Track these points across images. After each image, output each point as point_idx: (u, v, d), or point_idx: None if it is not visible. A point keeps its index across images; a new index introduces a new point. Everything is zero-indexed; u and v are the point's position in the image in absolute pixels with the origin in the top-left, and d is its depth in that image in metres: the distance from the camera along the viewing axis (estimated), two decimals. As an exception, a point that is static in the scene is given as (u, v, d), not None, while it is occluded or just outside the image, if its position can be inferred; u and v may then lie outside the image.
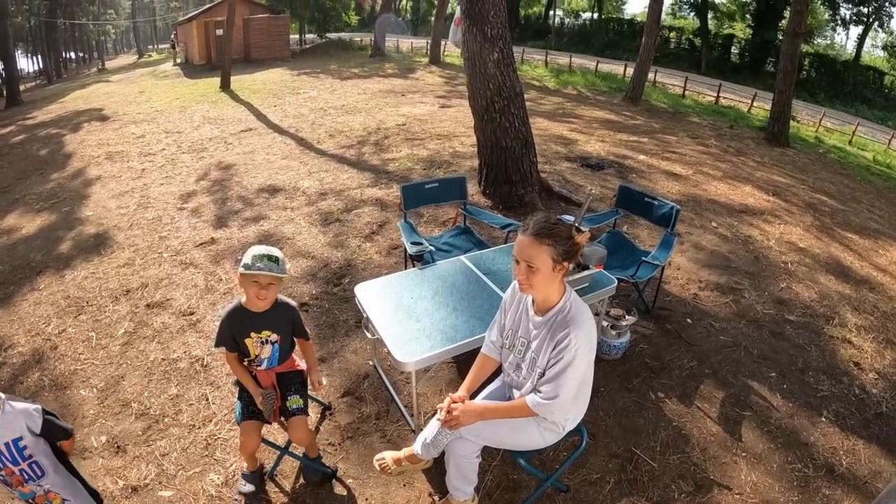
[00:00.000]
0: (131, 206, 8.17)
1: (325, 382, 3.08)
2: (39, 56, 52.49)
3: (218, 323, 2.94)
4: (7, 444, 2.32)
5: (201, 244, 6.47)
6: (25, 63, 59.03)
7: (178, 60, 34.59)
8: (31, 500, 2.49)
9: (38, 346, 4.80)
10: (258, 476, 3.24)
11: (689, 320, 5.03)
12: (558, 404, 2.39)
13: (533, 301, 2.55)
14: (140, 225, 7.34)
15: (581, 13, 55.81)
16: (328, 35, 38.67)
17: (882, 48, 47.46)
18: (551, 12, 52.95)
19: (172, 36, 39.63)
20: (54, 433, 2.50)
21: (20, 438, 2.35)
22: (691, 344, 4.67)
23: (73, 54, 62.14)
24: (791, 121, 18.20)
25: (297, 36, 39.41)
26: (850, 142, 21.11)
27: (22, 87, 27.93)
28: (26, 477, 2.40)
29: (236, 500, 3.15)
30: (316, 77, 22.45)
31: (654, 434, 3.66)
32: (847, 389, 4.36)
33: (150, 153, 11.28)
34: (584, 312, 2.41)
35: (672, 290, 5.56)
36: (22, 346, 4.83)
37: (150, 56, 52.60)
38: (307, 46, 36.86)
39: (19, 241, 7.46)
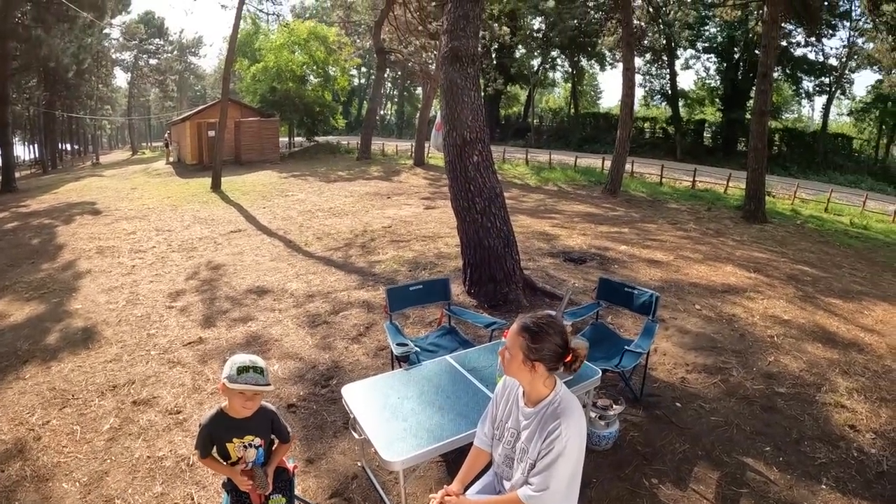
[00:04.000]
0: (120, 301, 8.27)
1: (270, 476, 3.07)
2: (36, 145, 53.16)
3: (199, 428, 2.98)
4: None
5: (189, 343, 6.54)
6: (22, 151, 59.66)
7: (171, 159, 35.32)
8: None
9: (22, 435, 4.80)
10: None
11: (678, 404, 5.12)
12: (549, 496, 2.41)
13: (524, 393, 2.62)
14: (128, 321, 7.43)
15: (558, 110, 57.81)
16: (316, 138, 39.70)
17: (848, 114, 49.78)
18: (530, 111, 54.81)
19: (166, 135, 40.60)
20: None
21: None
22: (682, 427, 4.74)
23: (69, 146, 62.96)
24: (766, 196, 18.84)
25: (287, 139, 40.44)
26: (825, 209, 21.76)
27: (17, 175, 28.28)
28: None
29: None
30: (304, 179, 22.98)
31: (650, 523, 3.68)
32: (845, 453, 4.44)
33: (140, 250, 11.46)
34: (574, 404, 2.49)
35: (659, 375, 5.68)
36: (4, 433, 4.84)
37: (144, 153, 53.78)
38: (296, 149, 37.78)
39: (7, 328, 7.53)
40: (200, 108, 37.00)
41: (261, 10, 29.90)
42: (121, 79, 76.81)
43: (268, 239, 12.05)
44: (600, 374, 4.10)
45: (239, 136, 30.22)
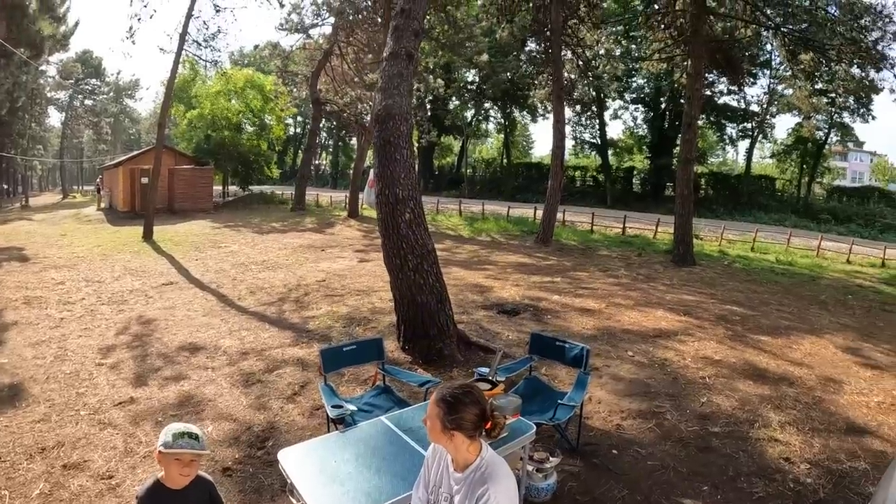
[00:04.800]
0: (48, 357, 8.06)
1: None
2: (-36, 183, 51.25)
3: (136, 501, 2.93)
4: None
5: (120, 403, 6.45)
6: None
7: (103, 205, 34.64)
8: None
9: (-55, 502, 4.66)
10: None
11: (615, 451, 5.27)
12: None
13: (452, 458, 2.68)
14: (57, 378, 7.25)
15: (491, 161, 59.15)
16: (251, 188, 39.54)
17: (770, 156, 52.73)
18: (464, 162, 55.92)
19: (98, 180, 39.84)
20: None
21: None
22: (620, 474, 4.88)
23: (-3, 185, 60.75)
24: (695, 239, 19.71)
25: (221, 188, 40.11)
26: (752, 248, 22.81)
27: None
28: None
29: None
30: (238, 231, 22.84)
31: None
32: (781, 486, 4.64)
33: (69, 301, 11.20)
34: (501, 467, 2.56)
35: (595, 423, 5.85)
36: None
37: (75, 197, 52.27)
38: (230, 198, 37.47)
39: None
40: (134, 153, 36.57)
41: (199, 57, 29.71)
42: (54, 118, 74.66)
43: (200, 293, 11.95)
44: (534, 430, 4.20)
45: (173, 183, 29.88)
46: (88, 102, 69.85)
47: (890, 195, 42.84)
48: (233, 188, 41.03)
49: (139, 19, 25.35)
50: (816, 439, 5.51)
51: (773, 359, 8.09)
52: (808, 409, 6.19)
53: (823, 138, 44.48)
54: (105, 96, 73.07)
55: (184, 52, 26.11)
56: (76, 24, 47.54)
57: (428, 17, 22.98)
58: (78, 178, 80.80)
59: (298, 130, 70.50)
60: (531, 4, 23.32)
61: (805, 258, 21.34)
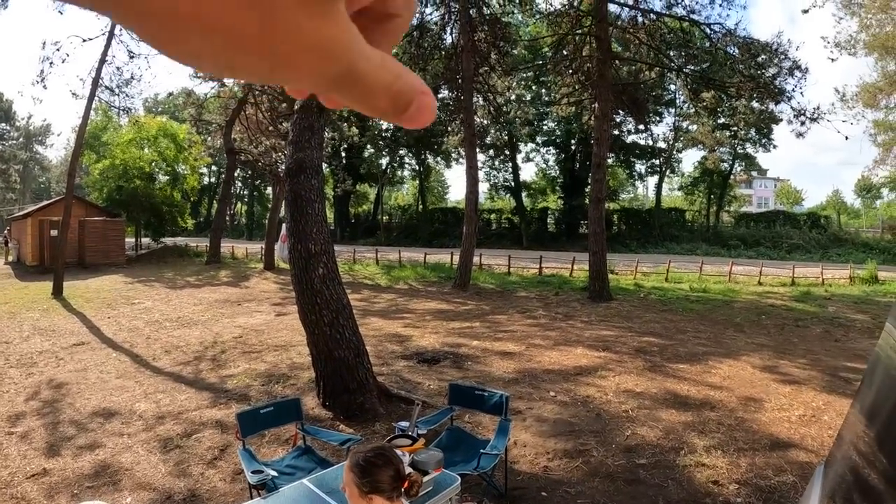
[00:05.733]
0: (-47, 428, 7.81)
1: None
2: None
3: None
4: None
5: (33, 475, 6.29)
6: None
7: (10, 259, 33.34)
8: None
9: None
10: None
11: (544, 493, 5.39)
12: None
13: None
14: (-38, 451, 7.05)
15: (407, 207, 59.50)
16: (164, 240, 38.73)
17: (678, 189, 54.98)
18: (379, 209, 56.08)
19: (5, 231, 38.18)
20: None
21: None
22: None
23: None
24: (610, 275, 20.24)
25: (133, 240, 39.11)
26: (666, 279, 23.48)
27: None
28: None
29: None
30: (151, 286, 22.34)
31: None
32: None
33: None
34: None
35: (522, 467, 5.97)
36: None
37: (-20, 249, 49.87)
38: (143, 251, 36.47)
39: None
40: (44, 203, 35.23)
41: (112, 104, 29.27)
42: (-40, 163, 71.69)
43: (113, 353, 11.69)
44: (459, 481, 4.30)
45: (83, 236, 28.95)
46: (-3, 147, 67.47)
47: (794, 217, 45.07)
48: (145, 240, 40.02)
49: (51, 63, 24.70)
50: (742, 459, 5.80)
51: (693, 385, 8.49)
52: (731, 431, 6.52)
53: (728, 169, 46.89)
54: (14, 142, 70.63)
55: (96, 98, 25.74)
56: (-16, 65, 45.99)
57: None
58: (-16, 228, 77.21)
59: (213, 180, 69.34)
60: (443, 53, 23.92)
61: (718, 284, 22.22)
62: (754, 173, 54.47)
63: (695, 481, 5.46)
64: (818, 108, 20.62)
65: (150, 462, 6.56)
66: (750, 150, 46.32)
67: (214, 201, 59.26)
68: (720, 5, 21.23)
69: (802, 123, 20.78)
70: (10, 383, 9.70)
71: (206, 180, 67.04)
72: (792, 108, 20.74)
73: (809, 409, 7.55)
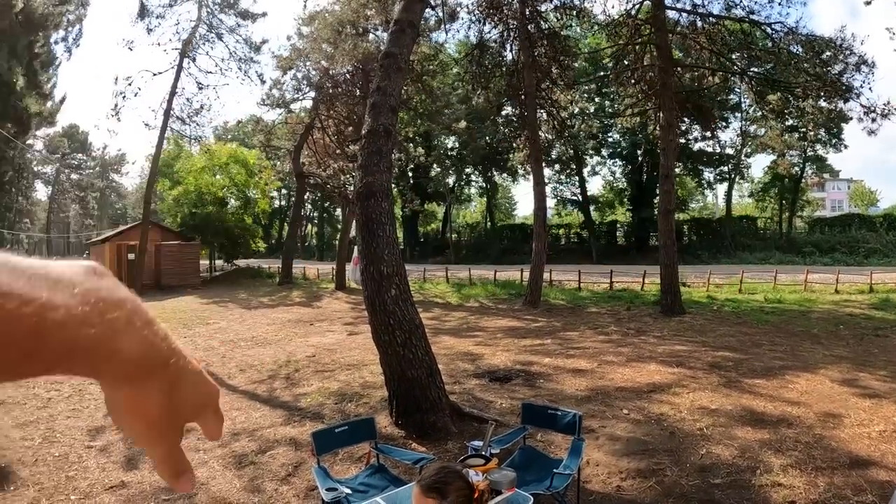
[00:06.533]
0: (36, 438, 7.97)
1: None
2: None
3: None
4: None
5: (111, 487, 6.38)
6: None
7: (91, 282, 34.34)
8: None
9: None
10: None
11: None
12: None
13: None
14: (46, 461, 7.16)
15: (475, 225, 59.73)
16: (237, 262, 39.63)
17: (749, 196, 53.49)
18: (448, 227, 56.32)
19: (85, 255, 39.60)
20: None
21: None
22: None
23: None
24: (682, 287, 19.67)
25: (208, 262, 40.15)
26: (739, 290, 22.76)
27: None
28: None
29: None
30: (225, 306, 22.86)
31: None
32: None
33: (56, 381, 11.03)
34: None
35: (595, 487, 5.80)
36: None
37: (62, 273, 51.93)
38: (217, 273, 37.51)
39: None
40: (121, 228, 36.69)
41: (183, 133, 30.30)
42: (41, 192, 75.27)
43: (190, 372, 11.87)
44: (532, 501, 4.19)
45: (160, 259, 29.93)
46: (74, 177, 70.55)
47: (870, 220, 43.03)
48: (219, 262, 41.08)
49: (124, 97, 25.80)
50: (820, 478, 5.50)
51: (770, 401, 8.12)
52: (809, 449, 6.19)
53: (799, 172, 45.16)
54: (91, 171, 73.79)
55: (168, 128, 26.60)
56: (62, 99, 48.45)
57: (405, 87, 23.61)
58: (65, 253, 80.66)
59: (283, 203, 70.98)
60: (504, 70, 23.84)
61: (793, 293, 21.45)
62: (826, 175, 52.00)
63: (771, 502, 5.22)
64: (888, 103, 19.51)
65: (225, 477, 6.59)
66: (821, 151, 44.32)
67: (285, 224, 60.42)
68: (780, 3, 20.29)
69: (873, 120, 19.69)
70: (90, 399, 9.94)
71: (276, 203, 68.62)
72: (861, 105, 19.76)
73: (890, 425, 7.10)
